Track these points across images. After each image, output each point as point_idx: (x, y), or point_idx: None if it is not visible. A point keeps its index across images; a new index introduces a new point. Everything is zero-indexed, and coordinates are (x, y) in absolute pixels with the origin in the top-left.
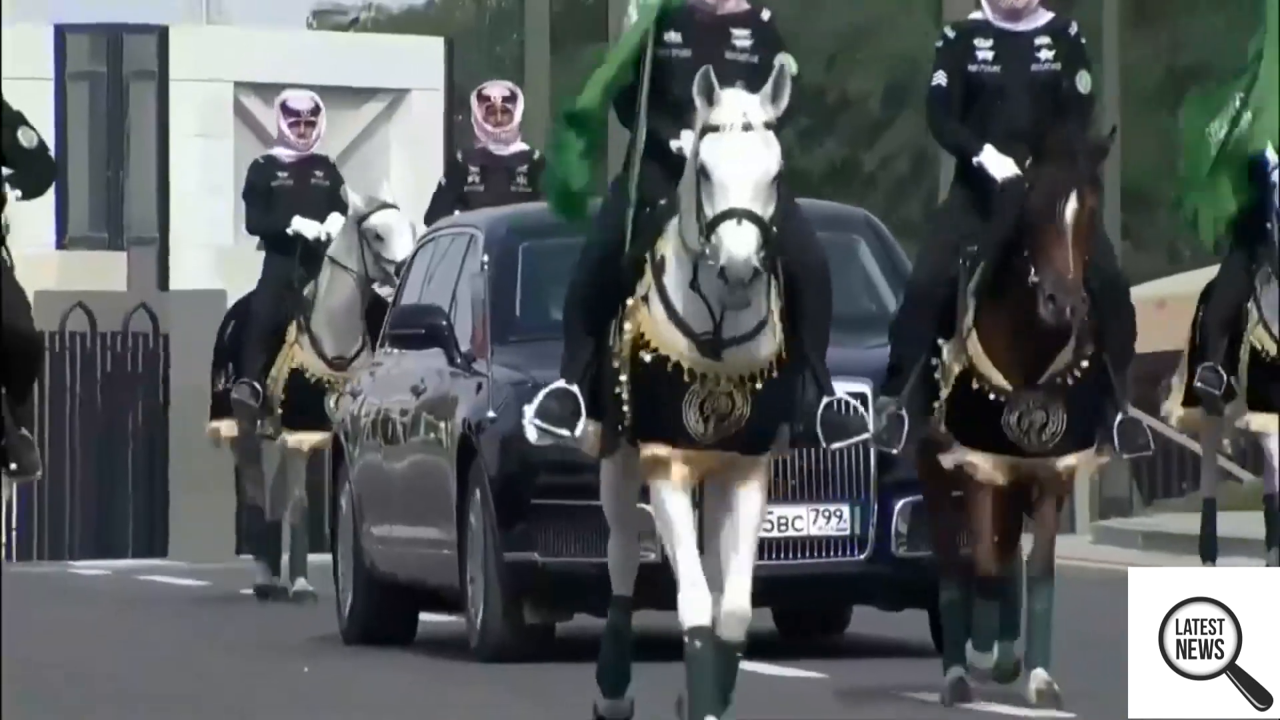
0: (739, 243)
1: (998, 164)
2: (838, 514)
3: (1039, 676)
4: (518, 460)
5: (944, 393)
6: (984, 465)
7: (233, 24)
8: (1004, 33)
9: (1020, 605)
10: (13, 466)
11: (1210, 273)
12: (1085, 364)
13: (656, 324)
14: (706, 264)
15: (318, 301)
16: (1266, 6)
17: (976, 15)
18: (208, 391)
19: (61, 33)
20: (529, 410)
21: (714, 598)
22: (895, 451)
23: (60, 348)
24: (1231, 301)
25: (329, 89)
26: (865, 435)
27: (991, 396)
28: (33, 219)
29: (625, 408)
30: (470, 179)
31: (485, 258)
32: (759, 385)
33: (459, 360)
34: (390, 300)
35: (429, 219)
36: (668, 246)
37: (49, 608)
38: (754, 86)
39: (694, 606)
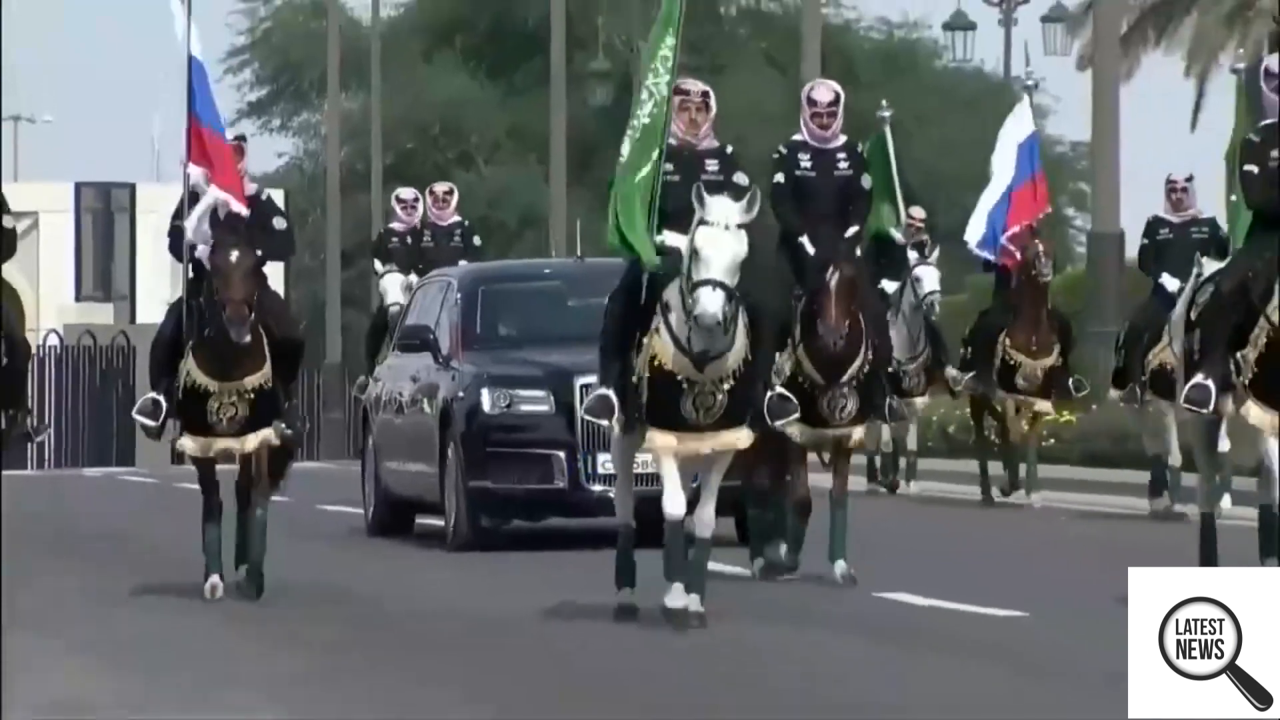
0: (711, 302)
1: (811, 244)
2: None
3: (842, 565)
4: (477, 423)
5: (779, 384)
6: (797, 433)
7: (171, 182)
8: (817, 150)
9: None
10: (284, 425)
11: None
12: (868, 368)
13: (665, 349)
14: (690, 313)
15: None
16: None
17: (797, 137)
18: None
19: (79, 186)
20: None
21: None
22: None
23: (78, 354)
24: None
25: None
26: (796, 415)
27: (808, 387)
28: (63, 285)
29: (643, 404)
30: (425, 239)
31: (458, 295)
32: (728, 385)
33: (441, 360)
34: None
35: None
36: (672, 296)
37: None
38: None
39: (674, 505)
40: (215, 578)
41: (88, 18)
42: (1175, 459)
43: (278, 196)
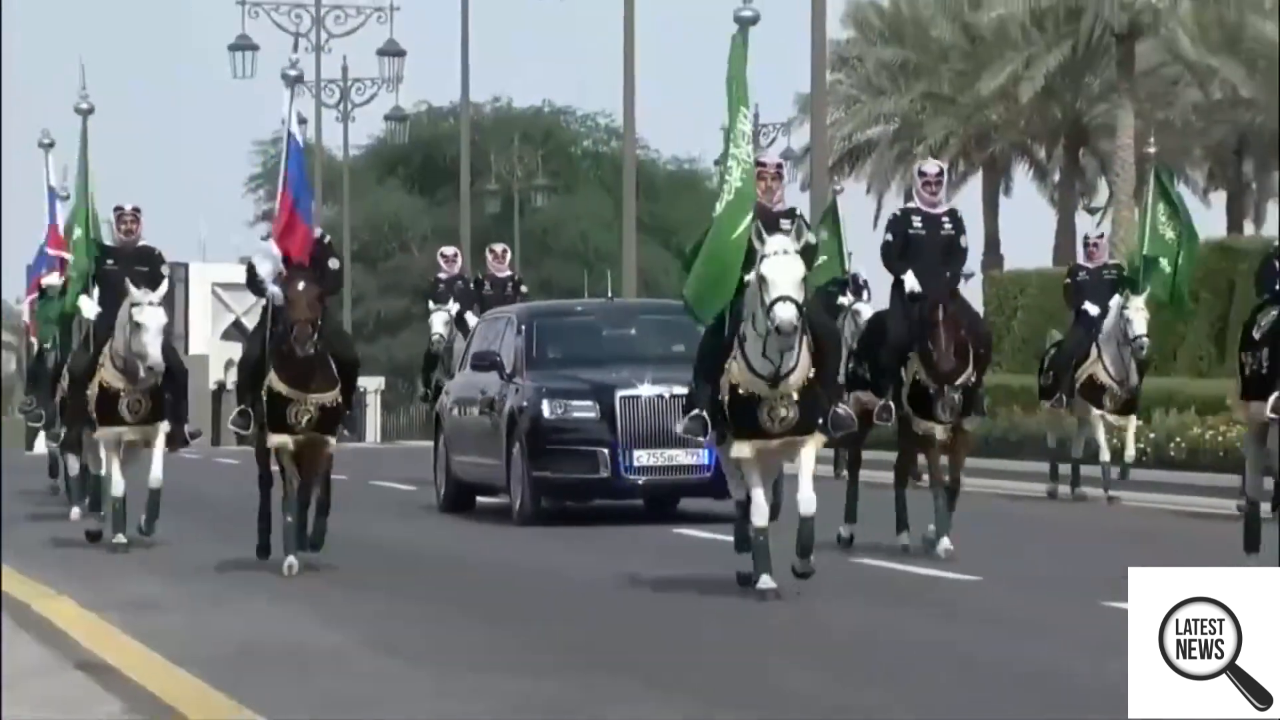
0: (786, 312)
1: (911, 282)
2: (699, 454)
3: (945, 542)
4: (539, 426)
5: (905, 390)
6: (925, 425)
7: (211, 262)
8: (927, 214)
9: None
10: (345, 430)
11: None
12: (974, 376)
13: (741, 373)
14: (769, 329)
15: None
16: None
17: (909, 204)
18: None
19: None
20: (679, 425)
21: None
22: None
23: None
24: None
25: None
26: (854, 428)
27: (930, 390)
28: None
29: (727, 419)
30: (486, 288)
31: (520, 327)
32: (797, 398)
33: (505, 377)
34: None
35: (469, 306)
36: (747, 330)
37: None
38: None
39: (759, 517)
40: (292, 558)
41: (154, 145)
42: (1104, 455)
43: None
